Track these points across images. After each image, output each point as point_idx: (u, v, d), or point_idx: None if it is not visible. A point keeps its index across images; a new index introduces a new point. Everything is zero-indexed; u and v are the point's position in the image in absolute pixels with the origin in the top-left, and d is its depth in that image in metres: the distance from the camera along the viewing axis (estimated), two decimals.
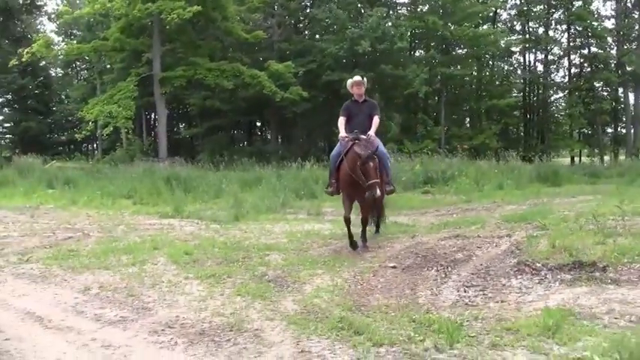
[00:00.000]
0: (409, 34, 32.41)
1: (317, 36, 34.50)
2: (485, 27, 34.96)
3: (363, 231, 8.59)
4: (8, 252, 8.50)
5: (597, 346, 3.78)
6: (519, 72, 38.87)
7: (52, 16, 46.26)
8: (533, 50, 38.31)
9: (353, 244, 8.28)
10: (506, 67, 39.33)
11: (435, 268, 6.81)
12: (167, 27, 28.11)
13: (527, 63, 39.50)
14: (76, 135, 30.87)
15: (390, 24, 30.03)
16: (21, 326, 4.93)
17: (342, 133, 8.56)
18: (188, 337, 4.53)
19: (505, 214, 11.11)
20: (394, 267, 7.06)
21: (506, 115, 36.01)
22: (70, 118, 45.95)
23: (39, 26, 48.02)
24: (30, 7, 45.33)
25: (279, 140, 37.17)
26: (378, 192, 7.68)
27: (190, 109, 39.71)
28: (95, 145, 43.58)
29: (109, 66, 36.93)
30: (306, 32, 35.81)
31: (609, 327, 4.34)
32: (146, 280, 6.58)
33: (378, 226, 9.68)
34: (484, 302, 5.35)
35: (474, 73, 35.75)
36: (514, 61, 39.54)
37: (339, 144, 8.72)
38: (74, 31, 45.76)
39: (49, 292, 6.16)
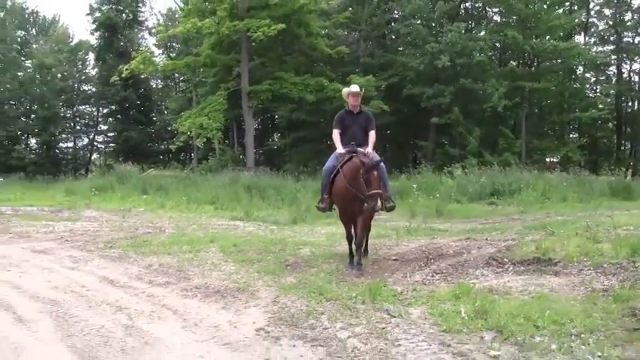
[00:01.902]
0: (489, 48, 33.59)
1: (400, 48, 36.39)
2: (573, 39, 35.60)
3: (359, 254, 8.32)
4: (98, 241, 11.15)
5: (470, 305, 5.65)
6: (608, 84, 38.92)
7: (153, 31, 50.73)
8: (627, 61, 38.40)
9: (352, 263, 8.26)
10: (592, 79, 39.52)
11: (425, 261, 8.68)
12: (254, 43, 30.94)
13: (620, 74, 39.45)
14: (170, 146, 34.39)
15: (469, 39, 31.46)
16: (98, 285, 7.33)
17: (340, 148, 8.50)
18: (206, 293, 6.76)
19: (530, 224, 12.67)
20: (395, 259, 8.92)
21: (594, 128, 36.42)
22: (168, 128, 50.00)
23: (141, 40, 52.41)
24: (132, 23, 49.98)
25: None
26: (379, 203, 7.93)
27: (278, 121, 42.75)
28: (191, 155, 47.21)
29: (204, 79, 40.39)
30: (389, 47, 37.76)
31: (505, 299, 6.12)
32: (195, 262, 8.87)
33: (366, 249, 9.23)
34: (438, 282, 7.21)
35: (554, 87, 36.19)
36: (604, 73, 39.59)
37: (332, 157, 8.72)
38: (173, 44, 49.92)
39: (122, 267, 8.58)
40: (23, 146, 51.13)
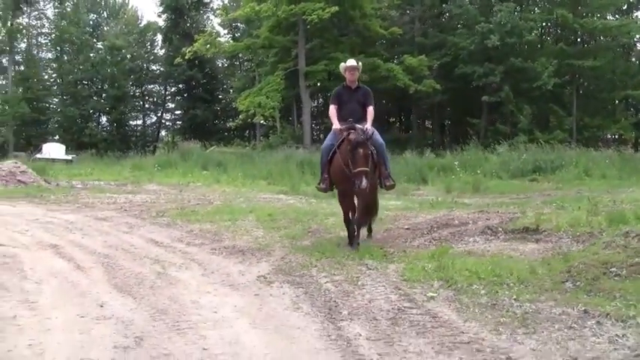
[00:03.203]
0: (539, 27, 33.90)
1: (453, 29, 37.05)
2: (631, 14, 35.42)
3: (357, 234, 8.35)
4: (152, 210, 12.82)
5: (435, 263, 6.92)
6: None
7: (217, 12, 52.64)
8: None
9: (353, 244, 8.19)
10: None
11: (429, 229, 9.88)
12: (309, 26, 32.32)
13: None
14: (230, 124, 36.22)
15: (519, 18, 31.92)
16: (144, 244, 8.89)
17: (336, 124, 8.35)
18: (230, 252, 8.22)
19: (550, 199, 13.67)
20: (407, 229, 10.14)
21: None
22: (232, 106, 52.11)
23: (206, 21, 54.40)
24: (198, 5, 51.98)
25: (417, 129, 40.38)
26: (364, 183, 7.42)
27: None
28: (254, 132, 49.08)
29: (264, 59, 42.09)
30: (442, 27, 38.48)
31: (472, 258, 7.32)
32: (231, 228, 10.35)
33: (370, 229, 9.28)
34: (430, 246, 8.48)
35: (604, 65, 36.01)
36: None
37: (330, 134, 8.64)
38: (238, 24, 51.64)
39: (168, 232, 10.15)
40: (95, 124, 53.97)
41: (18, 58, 55.32)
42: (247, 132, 52.46)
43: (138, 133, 59.70)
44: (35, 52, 58.26)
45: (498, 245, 8.26)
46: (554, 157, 22.04)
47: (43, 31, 58.24)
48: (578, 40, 36.18)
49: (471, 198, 15.36)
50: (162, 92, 59.41)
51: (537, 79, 30.94)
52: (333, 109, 8.63)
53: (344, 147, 7.85)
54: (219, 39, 40.54)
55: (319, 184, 8.81)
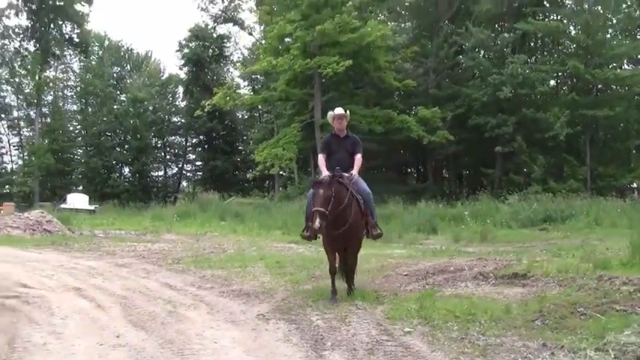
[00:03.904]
0: (551, 78, 34.86)
1: (472, 79, 38.17)
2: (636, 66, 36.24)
3: (349, 280, 8.60)
4: (168, 258, 13.72)
5: (418, 304, 7.68)
6: None
7: (237, 64, 54.47)
8: None
9: (334, 298, 8.09)
10: None
11: (424, 275, 10.63)
12: (324, 80, 33.61)
13: None
14: (248, 175, 37.39)
15: (531, 69, 32.94)
16: (159, 288, 9.74)
17: (325, 172, 8.29)
18: (236, 294, 9.03)
19: (551, 247, 14.34)
20: (406, 275, 10.94)
21: None
22: (251, 157, 53.40)
23: (226, 74, 56.17)
24: (218, 58, 53.84)
25: (433, 179, 41.20)
26: (317, 223, 7.36)
27: None
28: (273, 183, 50.14)
29: (282, 112, 43.42)
30: (456, 78, 39.64)
31: (458, 299, 8.08)
32: (240, 274, 11.17)
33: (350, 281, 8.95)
34: (422, 290, 9.23)
35: (617, 114, 36.50)
36: None
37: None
38: (257, 76, 53.22)
39: (182, 277, 11.00)
40: (117, 175, 55.51)
41: (45, 110, 57.51)
42: (267, 183, 53.54)
43: (159, 184, 61.15)
44: (61, 105, 60.51)
45: (486, 289, 8.99)
46: (564, 207, 22.65)
47: (69, 83, 60.87)
48: (592, 90, 36.83)
49: (476, 247, 16.07)
50: (184, 143, 61.07)
51: (550, 130, 31.73)
52: (322, 158, 8.74)
53: None
54: (238, 91, 42.16)
55: (303, 231, 8.78)
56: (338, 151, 8.79)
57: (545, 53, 39.55)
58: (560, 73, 36.74)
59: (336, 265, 8.47)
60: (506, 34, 36.39)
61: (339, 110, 9.00)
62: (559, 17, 37.69)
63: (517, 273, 9.84)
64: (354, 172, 8.50)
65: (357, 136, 9.36)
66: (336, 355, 5.66)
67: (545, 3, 38.63)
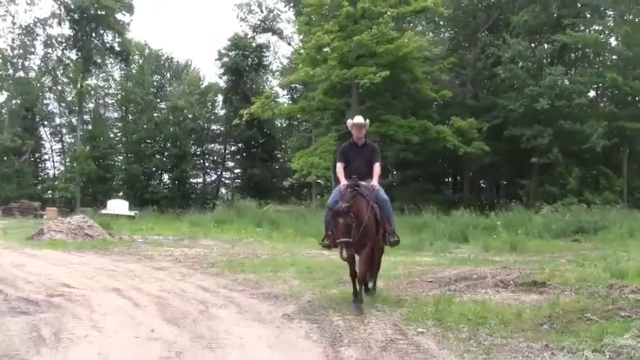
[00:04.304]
0: (588, 90, 34.83)
1: (509, 90, 38.37)
2: None
3: (361, 289, 8.51)
4: (204, 262, 14.41)
5: (435, 307, 8.17)
6: None
7: (276, 74, 55.41)
8: None
9: (359, 305, 8.17)
10: None
11: (449, 282, 11.10)
12: (360, 90, 34.19)
13: None
14: (285, 183, 38.16)
15: (568, 81, 33.03)
16: (193, 289, 10.37)
17: (343, 181, 8.41)
18: (266, 296, 9.61)
19: (576, 257, 14.63)
20: (430, 281, 11.43)
21: None
22: (289, 165, 54.13)
23: (265, 83, 57.11)
24: (257, 67, 54.79)
25: (469, 189, 41.44)
26: (344, 253, 7.65)
27: (387, 160, 45.63)
28: (310, 191, 50.83)
29: (320, 121, 44.10)
30: (493, 89, 39.87)
31: (474, 304, 8.56)
32: (271, 278, 11.76)
33: (374, 285, 9.42)
34: (441, 295, 9.70)
35: None
36: None
37: (335, 191, 8.78)
38: (296, 85, 54.00)
39: (215, 280, 11.64)
40: (157, 182, 56.80)
41: (86, 117, 59.22)
42: (304, 190, 54.23)
43: (198, 191, 62.30)
44: (102, 112, 62.22)
45: (504, 296, 9.43)
46: (597, 219, 22.74)
47: (110, 91, 62.57)
48: (631, 102, 36.64)
49: (505, 256, 16.37)
50: (222, 151, 62.12)
51: (587, 141, 31.75)
52: (340, 167, 8.78)
53: None
54: (276, 100, 43.08)
55: (323, 240, 8.85)
56: (356, 160, 8.77)
57: (586, 64, 39.45)
58: (597, 85, 36.70)
59: (356, 268, 8.41)
60: (545, 45, 36.59)
61: (358, 119, 9.00)
62: (599, 28, 37.63)
63: (536, 281, 10.28)
64: (374, 182, 8.51)
65: (375, 145, 9.50)
66: (352, 351, 6.20)
67: (585, 14, 38.58)
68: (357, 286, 8.36)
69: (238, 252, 17.50)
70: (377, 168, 8.67)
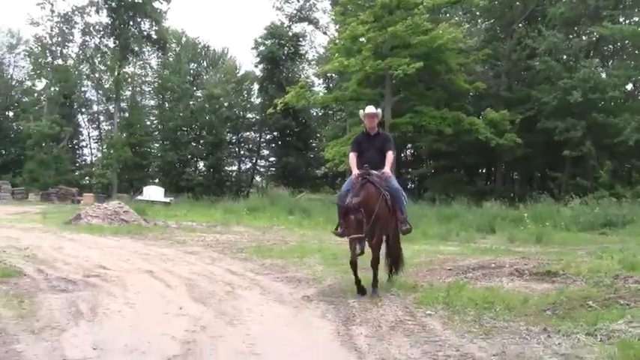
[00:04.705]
0: (622, 83, 34.65)
1: (543, 83, 38.38)
2: None
3: (374, 276, 8.73)
4: (234, 248, 15.12)
5: (445, 294, 8.68)
6: None
7: (312, 63, 55.91)
8: None
9: (360, 290, 8.46)
10: None
11: (466, 270, 11.59)
12: (394, 81, 34.58)
13: None
14: (317, 171, 38.74)
15: (603, 74, 32.95)
16: (221, 272, 11.05)
17: (355, 170, 8.62)
18: (289, 280, 10.22)
19: (596, 250, 14.96)
20: (450, 269, 11.93)
21: None
22: (323, 154, 54.67)
23: (301, 72, 57.60)
24: (293, 56, 55.36)
25: (501, 181, 41.58)
26: (358, 249, 7.79)
27: (418, 151, 46.05)
28: (343, 180, 51.26)
29: (354, 110, 44.42)
30: (527, 81, 39.87)
31: (486, 291, 9.06)
32: (297, 263, 12.39)
33: (390, 271, 9.63)
34: (454, 282, 10.21)
35: None
36: None
37: (348, 181, 8.97)
38: (332, 75, 54.37)
39: (243, 264, 12.32)
40: (192, 169, 57.81)
41: (123, 104, 60.40)
42: (338, 180, 54.71)
43: (233, 178, 63.17)
44: (139, 100, 63.47)
45: (517, 284, 9.89)
46: (626, 212, 22.86)
47: (147, 79, 63.71)
48: None
49: (528, 247, 16.76)
50: (258, 139, 62.89)
51: (619, 135, 31.72)
52: (352, 157, 8.98)
53: None
54: (311, 89, 43.64)
55: (336, 229, 9.10)
56: (369, 150, 8.95)
57: (624, 57, 39.22)
58: (633, 78, 36.47)
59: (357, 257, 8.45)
60: (584, 37, 36.51)
61: (370, 109, 9.13)
62: (638, 20, 37.38)
63: (550, 271, 10.71)
64: (386, 169, 8.71)
65: (388, 134, 9.72)
66: (362, 329, 6.78)
67: (625, 5, 38.25)
68: (364, 274, 8.75)
69: (268, 239, 18.18)
70: (389, 156, 8.83)
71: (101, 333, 6.29)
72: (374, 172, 8.51)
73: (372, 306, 7.99)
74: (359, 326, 6.92)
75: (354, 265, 8.47)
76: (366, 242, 8.12)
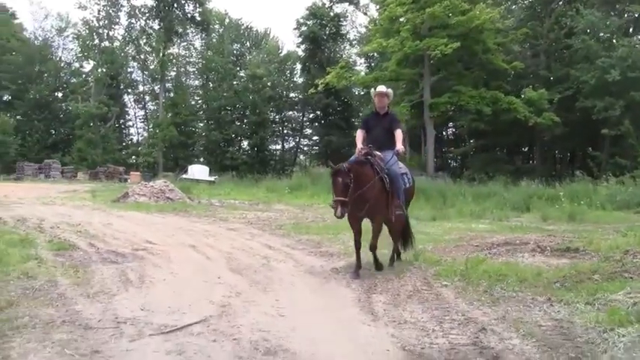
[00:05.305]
0: None
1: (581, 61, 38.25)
2: None
3: (375, 259, 9.03)
4: (273, 224, 15.99)
5: (464, 267, 9.36)
6: None
7: (354, 42, 56.36)
8: None
9: (357, 272, 8.66)
10: None
11: (491, 246, 12.19)
12: (431, 61, 34.95)
13: None
14: None
15: None
16: (259, 247, 11.88)
17: (359, 145, 8.89)
18: (322, 254, 10.99)
19: (625, 228, 15.38)
20: (476, 245, 12.52)
21: None
22: None
23: (342, 52, 58.14)
24: (335, 36, 55.88)
25: (540, 160, 41.67)
26: (338, 211, 7.88)
27: (459, 130, 46.31)
28: None
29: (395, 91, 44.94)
30: (566, 60, 39.74)
31: (502, 265, 9.70)
32: (332, 239, 13.13)
33: (392, 257, 9.83)
34: (479, 257, 10.86)
35: None
36: None
37: (352, 157, 9.05)
38: (374, 54, 54.79)
39: (281, 240, 13.15)
40: (236, 148, 59.01)
41: (168, 85, 61.93)
42: None
43: (276, 157, 64.26)
44: (183, 80, 64.83)
45: (536, 259, 10.46)
46: None
47: (191, 60, 65.05)
48: None
49: (559, 225, 17.23)
50: (301, 118, 63.73)
51: None
52: (359, 134, 9.24)
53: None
54: (353, 69, 44.22)
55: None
56: (376, 128, 9.14)
57: None
58: None
59: (360, 237, 8.94)
60: (625, 15, 36.23)
61: (380, 88, 9.33)
62: None
63: (570, 247, 11.23)
64: (399, 145, 8.79)
65: (395, 113, 9.90)
66: (382, 297, 7.52)
67: None
68: (363, 256, 9.05)
69: (307, 216, 19.01)
70: (398, 134, 8.96)
71: (147, 297, 7.17)
72: (378, 153, 8.72)
73: (393, 277, 8.73)
74: (379, 294, 7.66)
75: (357, 245, 8.89)
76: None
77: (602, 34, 36.24)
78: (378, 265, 9.04)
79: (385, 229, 9.36)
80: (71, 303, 6.76)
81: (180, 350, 5.20)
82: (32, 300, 6.78)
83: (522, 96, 35.34)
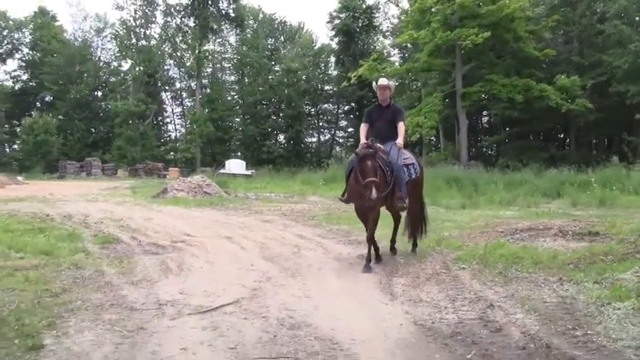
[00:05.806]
0: None
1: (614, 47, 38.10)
2: None
3: (368, 251, 9.06)
4: (306, 216, 16.65)
5: (483, 251, 9.87)
6: None
7: (387, 34, 56.68)
8: None
9: (367, 266, 8.70)
10: None
11: (515, 231, 12.63)
12: (463, 51, 35.20)
13: None
14: None
15: None
16: (291, 237, 12.53)
17: (363, 140, 8.87)
18: (351, 243, 11.60)
19: None
20: (501, 231, 12.90)
21: None
22: None
23: (375, 44, 58.34)
24: (368, 28, 56.24)
25: (575, 146, 41.59)
26: (374, 193, 7.99)
27: (493, 118, 46.39)
28: (420, 149, 52.17)
29: (428, 81, 45.35)
30: (598, 46, 39.56)
31: (520, 248, 10.17)
32: (361, 229, 13.47)
33: (414, 244, 10.22)
34: (499, 242, 11.33)
35: None
36: None
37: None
38: (407, 45, 55.00)
39: (313, 230, 13.78)
40: (273, 142, 59.83)
41: (204, 81, 62.94)
42: (416, 149, 55.48)
43: (312, 150, 64.92)
44: (219, 76, 65.86)
45: (556, 243, 10.87)
46: None
47: (226, 56, 65.96)
48: None
49: (588, 211, 17.52)
50: (335, 111, 64.28)
51: None
52: (363, 127, 9.29)
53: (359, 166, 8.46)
54: (385, 61, 44.59)
55: (343, 195, 9.70)
56: (379, 121, 9.26)
57: None
58: None
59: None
60: None
61: (382, 81, 9.43)
62: None
63: (591, 231, 11.63)
64: (399, 139, 8.97)
65: (398, 106, 9.86)
66: (402, 280, 8.11)
67: None
68: (373, 250, 9.25)
69: (339, 207, 19.53)
70: (401, 127, 9.08)
71: (186, 283, 7.87)
72: (380, 146, 8.73)
73: (415, 261, 9.31)
74: (399, 277, 8.25)
75: (370, 241, 9.08)
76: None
77: (635, 19, 36.06)
78: (377, 257, 9.39)
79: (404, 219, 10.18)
80: (117, 289, 7.47)
81: (214, 327, 5.86)
82: (83, 287, 7.52)
83: (555, 83, 35.30)
